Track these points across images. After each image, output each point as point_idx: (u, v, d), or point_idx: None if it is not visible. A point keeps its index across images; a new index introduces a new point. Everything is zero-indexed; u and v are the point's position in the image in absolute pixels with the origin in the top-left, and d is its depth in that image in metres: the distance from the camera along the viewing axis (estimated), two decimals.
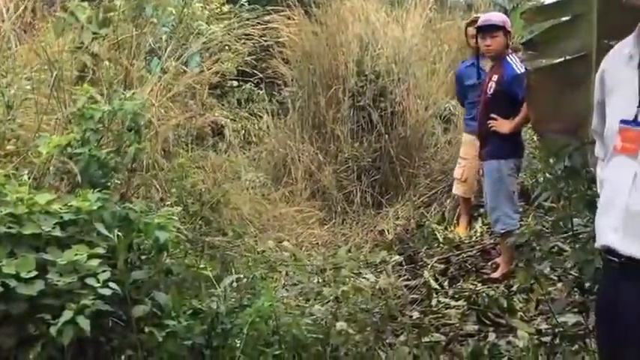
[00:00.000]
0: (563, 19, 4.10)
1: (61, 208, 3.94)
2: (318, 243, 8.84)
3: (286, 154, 10.15)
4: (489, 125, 7.03)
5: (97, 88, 5.66)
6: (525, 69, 6.18)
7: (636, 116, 2.68)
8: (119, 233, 4.05)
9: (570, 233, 4.63)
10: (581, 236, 4.54)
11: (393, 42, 10.17)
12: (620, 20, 2.91)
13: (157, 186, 6.14)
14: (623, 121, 2.72)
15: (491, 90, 7.17)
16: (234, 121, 9.77)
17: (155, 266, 4.46)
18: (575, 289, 4.78)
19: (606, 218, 2.77)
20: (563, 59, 4.07)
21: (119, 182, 4.82)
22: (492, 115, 7.01)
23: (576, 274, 4.70)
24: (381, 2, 11.07)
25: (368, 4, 10.52)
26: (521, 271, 5.07)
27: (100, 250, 3.85)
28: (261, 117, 10.99)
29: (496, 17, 7.42)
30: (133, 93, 4.98)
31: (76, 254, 3.71)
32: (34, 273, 3.55)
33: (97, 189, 4.25)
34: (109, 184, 4.52)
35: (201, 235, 6.20)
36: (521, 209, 7.72)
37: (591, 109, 3.35)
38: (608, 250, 2.78)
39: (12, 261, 3.55)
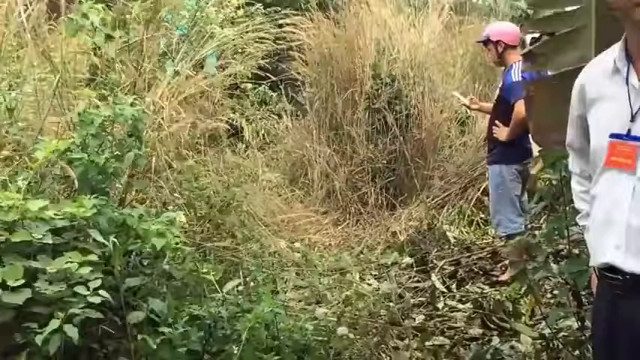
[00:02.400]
0: (562, 31, 3.96)
1: (56, 214, 3.81)
2: (331, 244, 8.73)
3: (303, 155, 10.04)
4: (493, 132, 6.96)
5: (106, 90, 5.58)
6: (524, 78, 6.11)
7: (629, 130, 2.54)
8: (115, 240, 3.92)
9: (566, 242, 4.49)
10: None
11: (410, 46, 10.07)
12: (618, 34, 2.77)
13: (167, 189, 6.01)
14: (614, 136, 2.58)
15: (495, 97, 7.17)
16: (249, 121, 9.64)
17: (155, 272, 4.34)
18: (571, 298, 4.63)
19: (606, 236, 2.62)
20: (561, 71, 3.93)
21: (120, 187, 4.70)
22: (496, 122, 6.95)
23: (571, 284, 4.55)
24: (398, 8, 10.90)
25: (386, 9, 10.36)
26: (516, 281, 4.93)
27: (94, 257, 3.71)
28: (280, 117, 10.92)
29: (484, 32, 7.45)
30: (135, 98, 4.84)
31: (67, 262, 3.58)
32: (22, 281, 3.42)
33: (96, 194, 4.12)
34: (107, 189, 4.39)
35: (209, 239, 6.07)
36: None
37: None
38: (610, 268, 2.63)
39: None
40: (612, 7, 2.58)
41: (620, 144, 2.56)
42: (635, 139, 2.53)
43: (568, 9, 3.93)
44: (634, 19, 2.49)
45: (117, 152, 4.50)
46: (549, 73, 4.43)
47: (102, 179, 4.35)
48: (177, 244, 4.33)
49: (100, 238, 3.86)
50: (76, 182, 4.21)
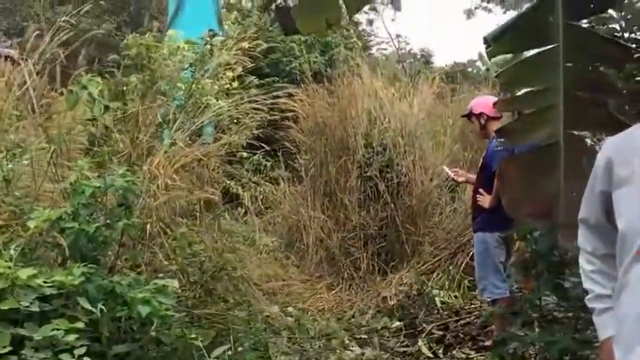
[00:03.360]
0: (533, 109, 4.01)
1: (45, 282, 3.83)
2: (324, 308, 8.70)
3: (299, 220, 10.07)
4: (477, 200, 6.98)
5: (103, 160, 5.64)
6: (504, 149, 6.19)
7: None
8: (102, 307, 3.93)
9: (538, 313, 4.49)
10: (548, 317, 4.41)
11: (401, 116, 10.15)
12: (585, 112, 2.80)
13: (161, 255, 6.02)
14: None
15: (479, 166, 7.24)
16: (244, 188, 9.67)
17: (143, 338, 4.34)
18: None
19: None
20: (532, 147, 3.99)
21: (111, 254, 4.72)
22: (480, 190, 6.97)
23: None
24: (389, 79, 11.06)
25: (377, 80, 10.51)
26: (490, 354, 4.91)
27: (80, 325, 3.72)
28: (278, 183, 10.97)
29: (468, 105, 7.65)
30: (129, 168, 4.90)
31: (53, 329, 3.59)
32: (9, 349, 3.42)
33: (86, 262, 4.14)
34: (98, 257, 4.41)
35: (201, 304, 6.05)
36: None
37: (561, 194, 3.18)
38: None
39: None
40: None
41: None
42: None
43: (536, 89, 3.98)
44: None
45: (108, 221, 4.54)
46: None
47: (92, 247, 4.38)
48: (167, 310, 4.34)
49: (87, 306, 3.88)
50: (67, 250, 4.23)
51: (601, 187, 2.58)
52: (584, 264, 2.74)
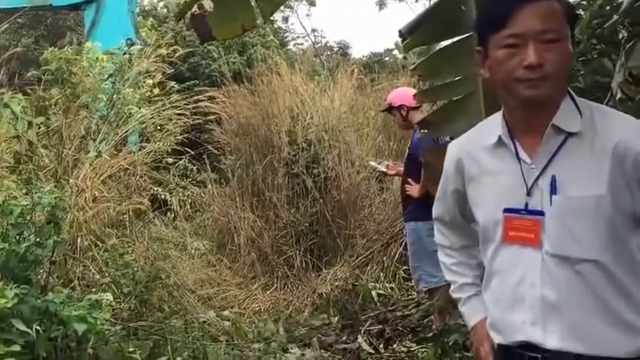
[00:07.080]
0: (453, 98, 4.04)
1: None
2: (261, 309, 8.68)
3: (228, 222, 10.02)
4: (406, 190, 7.00)
5: (30, 175, 5.57)
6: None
7: (527, 205, 2.42)
8: (38, 327, 3.88)
9: None
10: None
11: (323, 111, 10.16)
12: None
13: (93, 268, 5.97)
14: (509, 210, 2.45)
15: (405, 155, 7.24)
16: (172, 194, 9.57)
17: (81, 355, 4.29)
18: None
19: (516, 313, 2.45)
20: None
21: (43, 273, 4.65)
22: (408, 180, 6.98)
23: None
24: (308, 74, 11.10)
25: (296, 76, 10.51)
26: (431, 345, 4.94)
27: (17, 348, 3.66)
28: (205, 186, 10.88)
29: (385, 100, 7.76)
30: (57, 183, 4.84)
31: None
32: None
33: (18, 283, 4.08)
34: (30, 277, 4.35)
35: (136, 315, 6.00)
36: None
37: None
38: (526, 346, 2.44)
39: None
40: (494, 83, 2.47)
41: (517, 218, 2.44)
42: (535, 212, 2.41)
43: (454, 79, 4.00)
44: (517, 95, 2.39)
45: (38, 239, 4.48)
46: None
47: (24, 267, 4.32)
48: (102, 325, 4.30)
49: (22, 327, 3.83)
50: None
51: (454, 186, 2.72)
52: (444, 258, 2.91)
